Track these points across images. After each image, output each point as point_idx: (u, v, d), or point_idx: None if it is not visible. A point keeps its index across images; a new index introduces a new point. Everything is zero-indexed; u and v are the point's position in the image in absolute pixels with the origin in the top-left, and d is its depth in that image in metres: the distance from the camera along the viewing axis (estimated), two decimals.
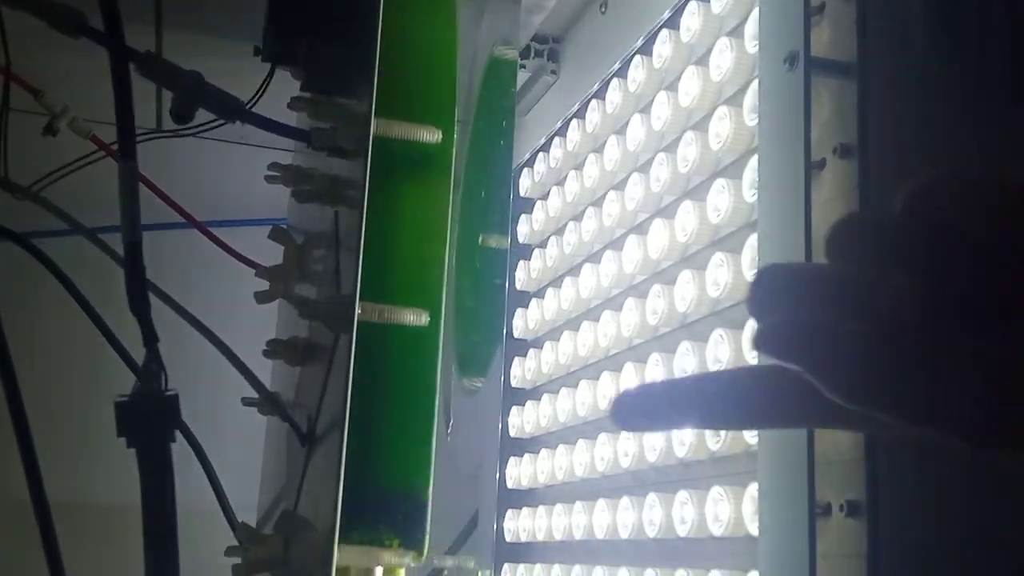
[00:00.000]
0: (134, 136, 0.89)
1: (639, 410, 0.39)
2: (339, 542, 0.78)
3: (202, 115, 1.08)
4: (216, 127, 1.01)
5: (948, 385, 0.32)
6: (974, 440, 0.33)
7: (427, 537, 0.82)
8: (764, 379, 0.37)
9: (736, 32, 1.01)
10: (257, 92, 1.02)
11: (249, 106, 0.99)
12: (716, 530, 0.91)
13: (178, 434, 1.08)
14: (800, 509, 0.77)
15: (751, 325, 0.91)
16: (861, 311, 0.33)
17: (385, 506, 0.81)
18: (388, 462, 0.82)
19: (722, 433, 0.93)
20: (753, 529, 0.86)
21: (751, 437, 0.89)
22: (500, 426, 1.41)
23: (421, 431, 0.81)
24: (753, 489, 0.87)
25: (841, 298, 0.34)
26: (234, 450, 1.52)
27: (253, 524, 1.31)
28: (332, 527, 0.77)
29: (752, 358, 0.90)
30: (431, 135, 0.83)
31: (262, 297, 1.16)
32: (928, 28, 0.82)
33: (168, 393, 0.94)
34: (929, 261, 0.33)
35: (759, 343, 0.34)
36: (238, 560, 1.01)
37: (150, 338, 0.95)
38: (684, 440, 0.99)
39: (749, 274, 0.93)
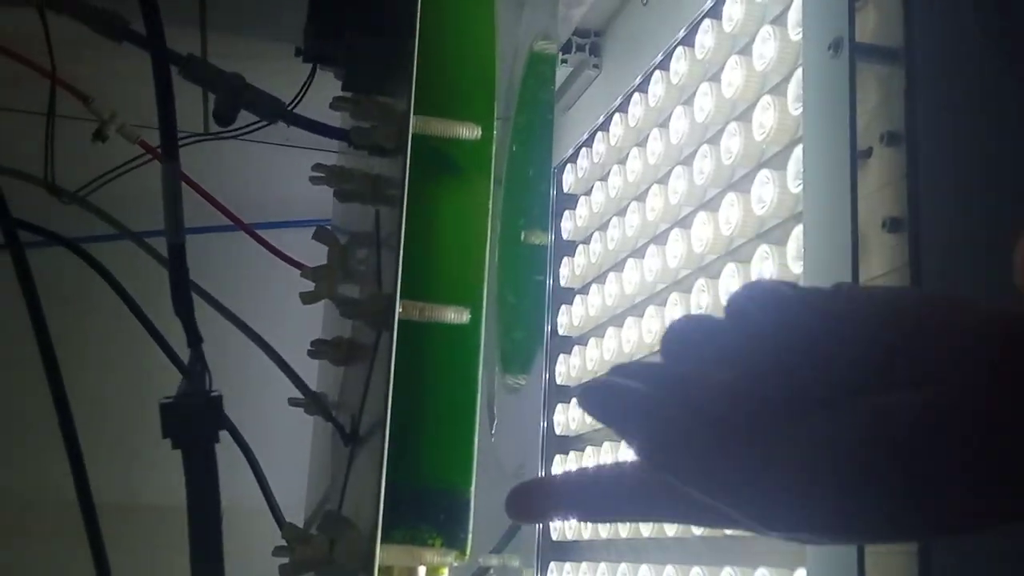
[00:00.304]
0: (176, 139, 0.90)
1: (532, 506, 0.40)
2: (381, 541, 0.78)
3: (245, 117, 1.09)
4: (259, 128, 1.01)
5: (749, 470, 0.33)
6: (768, 524, 0.34)
7: (470, 536, 0.81)
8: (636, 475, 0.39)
9: (779, 20, 0.99)
10: (299, 93, 1.03)
11: (291, 107, 1.00)
12: None
13: (225, 434, 1.09)
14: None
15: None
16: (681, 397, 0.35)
17: (427, 505, 0.81)
18: (430, 461, 0.81)
19: None
20: None
21: None
22: (544, 424, 1.40)
23: (463, 430, 0.81)
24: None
25: (663, 383, 0.36)
26: (282, 450, 1.54)
27: (300, 524, 1.32)
28: (375, 526, 0.77)
29: None
30: (470, 132, 0.82)
31: (307, 297, 1.17)
32: (977, 11, 0.80)
33: (212, 394, 0.94)
34: (745, 363, 0.35)
35: (579, 400, 0.38)
36: (285, 560, 1.02)
37: (194, 339, 0.96)
38: None
39: (795, 266, 0.91)
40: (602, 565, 1.25)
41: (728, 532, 0.96)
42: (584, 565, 1.31)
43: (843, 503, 0.32)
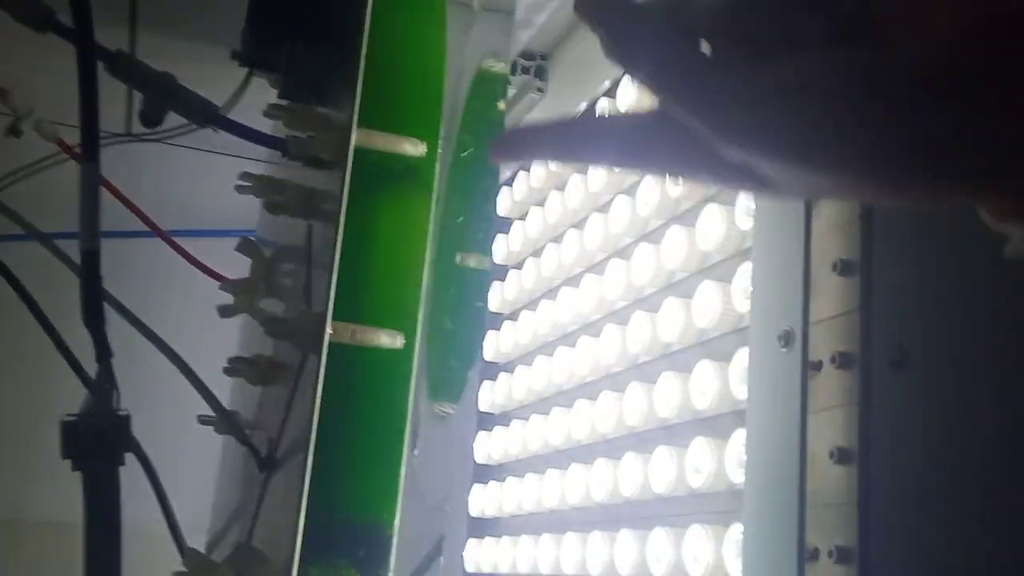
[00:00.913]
0: (98, 139, 0.84)
1: (525, 140, 0.40)
2: None
3: (173, 120, 1.04)
4: (187, 132, 0.96)
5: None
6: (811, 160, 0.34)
7: (391, 574, 0.77)
8: (657, 124, 0.39)
9: None
10: (232, 97, 0.98)
11: (222, 111, 0.94)
12: (695, 571, 0.87)
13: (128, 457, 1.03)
14: (787, 554, 0.73)
15: (740, 358, 0.88)
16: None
17: (347, 539, 0.76)
18: (352, 493, 0.77)
19: (704, 468, 0.89)
20: (735, 573, 0.82)
21: (736, 475, 0.85)
22: (472, 455, 1.36)
23: (389, 461, 0.77)
24: (736, 530, 0.83)
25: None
26: (189, 470, 1.47)
27: (204, 546, 1.26)
28: (290, 561, 0.73)
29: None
30: (415, 148, 0.79)
31: (226, 311, 1.11)
32: None
33: (120, 414, 0.88)
34: None
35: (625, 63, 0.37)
36: None
37: (103, 353, 0.90)
38: (662, 475, 0.95)
39: (740, 304, 0.89)
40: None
41: (655, 574, 0.93)
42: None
43: (819, 125, 0.33)
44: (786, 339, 0.77)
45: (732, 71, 0.35)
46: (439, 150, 0.81)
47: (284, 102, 0.94)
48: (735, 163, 0.36)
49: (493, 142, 0.40)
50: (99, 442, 0.86)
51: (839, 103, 0.33)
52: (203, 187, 1.83)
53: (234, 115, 1.08)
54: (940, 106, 0.32)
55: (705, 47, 0.37)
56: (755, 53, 0.35)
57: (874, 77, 0.32)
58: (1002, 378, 0.73)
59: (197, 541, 1.23)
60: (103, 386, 0.88)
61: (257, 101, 1.05)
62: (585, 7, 0.38)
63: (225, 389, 1.27)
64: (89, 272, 0.87)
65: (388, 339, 0.78)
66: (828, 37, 0.34)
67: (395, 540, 0.81)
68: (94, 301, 0.88)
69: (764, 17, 0.35)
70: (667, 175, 0.43)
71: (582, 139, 0.40)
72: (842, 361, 0.74)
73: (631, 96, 1.15)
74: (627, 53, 0.37)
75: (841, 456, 0.72)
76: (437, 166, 0.80)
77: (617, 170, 0.52)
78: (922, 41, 0.32)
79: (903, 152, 0.33)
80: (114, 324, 1.10)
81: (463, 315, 0.91)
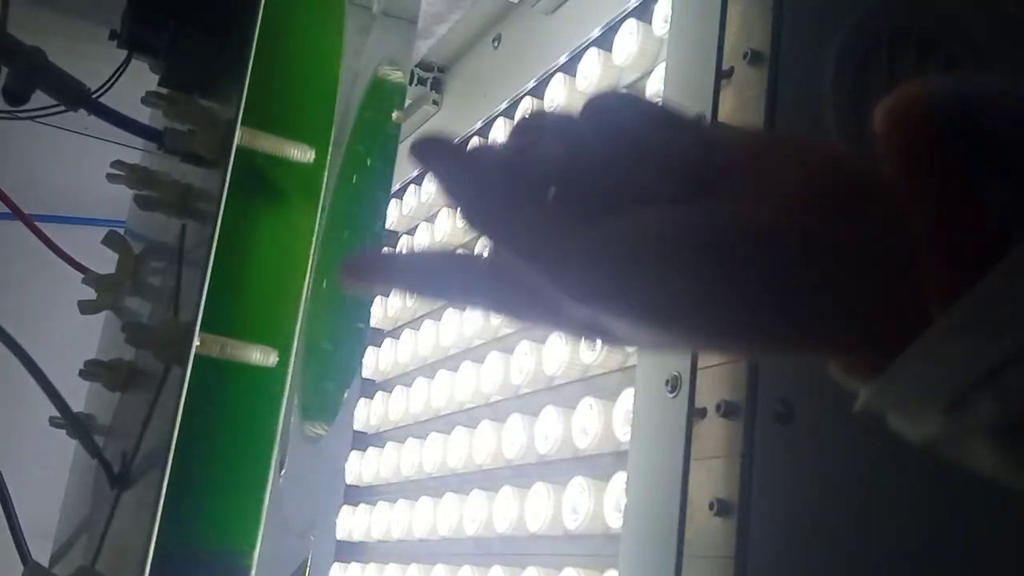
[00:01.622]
0: None
1: (376, 268, 0.40)
2: None
3: (43, 99, 0.96)
4: (55, 113, 0.89)
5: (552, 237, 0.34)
6: (568, 287, 0.34)
7: None
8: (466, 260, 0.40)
9: (636, 86, 0.97)
10: (108, 80, 0.91)
11: (96, 95, 0.88)
12: None
13: None
14: None
15: (624, 398, 0.86)
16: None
17: (202, 569, 0.71)
18: (210, 518, 0.71)
19: (581, 509, 0.87)
20: None
21: (613, 519, 0.83)
22: (343, 477, 1.31)
23: (252, 486, 0.71)
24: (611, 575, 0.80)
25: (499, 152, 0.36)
26: (38, 471, 1.37)
27: (48, 557, 1.17)
28: None
29: None
30: (303, 154, 0.74)
31: (87, 307, 1.04)
32: (836, 103, 0.79)
33: None
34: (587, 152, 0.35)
35: (413, 148, 0.37)
36: None
37: None
38: (538, 513, 0.92)
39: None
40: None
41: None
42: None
43: (661, 285, 0.33)
44: (673, 384, 0.75)
45: (570, 226, 0.34)
46: (329, 157, 0.76)
47: (164, 90, 0.87)
48: (578, 317, 0.36)
49: (345, 265, 0.39)
50: None
51: (681, 262, 0.32)
52: (74, 172, 1.73)
53: (111, 100, 1.01)
54: (782, 268, 0.32)
55: (547, 197, 0.35)
56: (596, 207, 0.34)
57: (716, 236, 0.32)
58: (886, 435, 0.73)
59: (42, 549, 1.15)
60: None
61: (137, 87, 0.98)
62: (420, 152, 0.37)
63: (83, 388, 1.19)
64: None
65: (260, 355, 0.72)
66: (673, 192, 0.34)
67: (254, 569, 0.76)
68: None
69: (607, 169, 0.35)
70: (515, 319, 0.41)
71: (432, 277, 0.39)
72: (727, 410, 0.73)
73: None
74: (464, 202, 0.36)
75: (720, 508, 0.71)
76: (325, 174, 0.75)
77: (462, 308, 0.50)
78: (765, 199, 0.32)
79: (743, 315, 0.33)
80: None
81: (343, 335, 0.86)
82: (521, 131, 0.37)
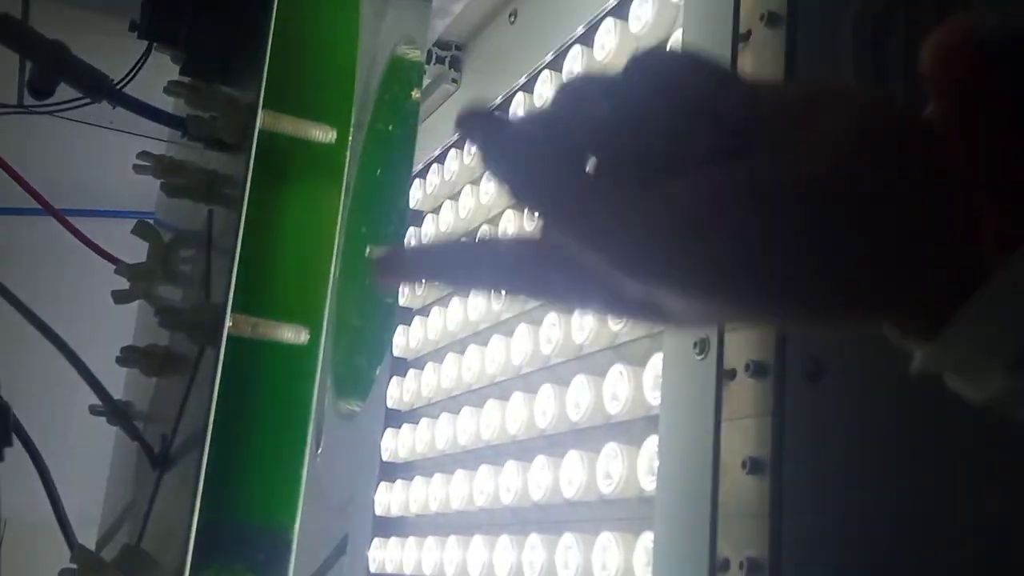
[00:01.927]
0: None
1: (411, 262, 0.39)
2: None
3: (68, 93, 0.98)
4: (79, 106, 0.90)
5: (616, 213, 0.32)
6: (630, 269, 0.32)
7: None
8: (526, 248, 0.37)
9: None
10: (130, 71, 0.92)
11: (119, 85, 0.89)
12: None
13: (15, 438, 0.98)
14: (698, 564, 0.72)
15: (654, 363, 0.86)
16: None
17: (244, 543, 0.72)
18: (250, 494, 0.73)
19: (615, 474, 0.88)
20: None
21: (647, 482, 0.84)
22: (378, 453, 1.33)
23: (290, 462, 0.73)
24: (647, 538, 0.81)
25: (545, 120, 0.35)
26: (82, 460, 1.40)
27: (94, 542, 1.20)
28: (182, 566, 0.68)
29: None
30: (324, 134, 0.75)
31: (120, 296, 1.06)
32: (856, 65, 0.79)
33: None
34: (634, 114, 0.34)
35: (459, 121, 0.35)
36: None
37: None
38: (573, 480, 0.93)
39: None
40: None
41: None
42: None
43: (709, 256, 0.31)
44: (701, 346, 0.75)
45: (621, 195, 0.32)
46: (350, 137, 0.77)
47: (186, 79, 0.89)
48: (632, 296, 0.34)
49: (378, 261, 0.38)
50: None
51: (740, 224, 0.31)
52: (101, 166, 1.75)
53: (135, 90, 1.02)
54: (837, 226, 0.30)
55: (592, 166, 0.34)
56: (646, 170, 0.32)
57: (773, 193, 0.31)
58: (916, 388, 0.73)
59: (88, 535, 1.17)
60: None
61: (159, 77, 1.00)
62: (465, 125, 0.35)
63: (121, 377, 1.21)
64: None
65: (291, 334, 0.74)
66: (724, 149, 0.32)
67: (295, 544, 0.77)
68: None
69: (651, 131, 0.33)
70: (562, 305, 0.40)
71: (470, 265, 0.37)
72: (756, 370, 0.73)
73: (547, 93, 1.13)
74: (509, 177, 0.34)
75: (753, 466, 0.71)
76: (348, 154, 0.76)
77: (508, 295, 0.48)
78: (816, 152, 0.31)
79: (805, 279, 0.31)
80: (5, 308, 1.04)
81: (372, 311, 0.87)
82: (564, 96, 0.35)
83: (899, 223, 0.30)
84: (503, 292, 0.39)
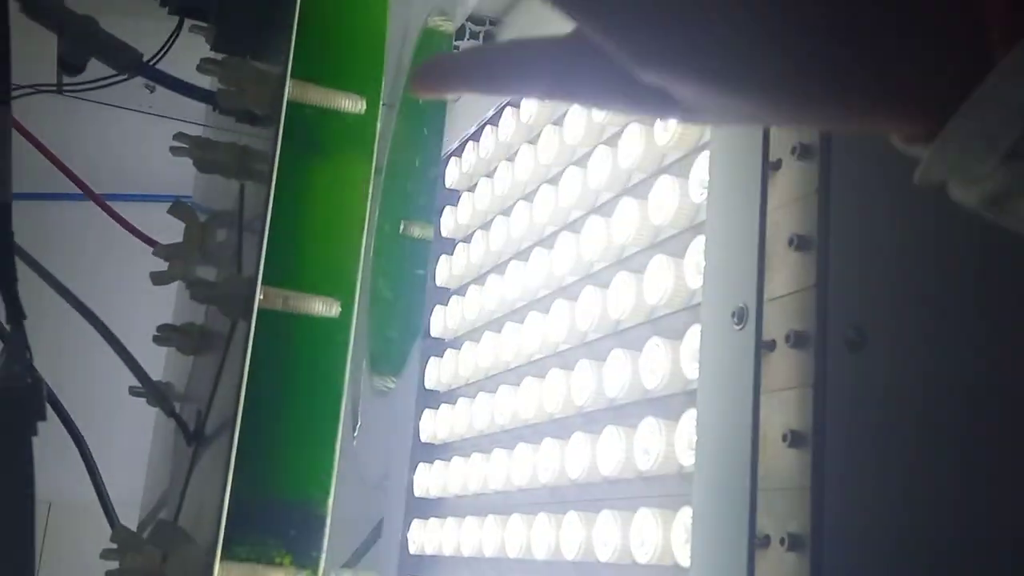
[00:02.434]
0: (8, 80, 0.78)
1: (446, 70, 0.38)
2: (222, 558, 0.68)
3: (101, 71, 0.98)
4: (113, 83, 0.90)
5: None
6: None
7: (323, 555, 0.73)
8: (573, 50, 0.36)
9: None
10: (163, 47, 0.92)
11: (151, 62, 0.89)
12: (641, 557, 0.84)
13: (58, 423, 0.98)
14: (738, 540, 0.70)
15: (691, 336, 0.84)
16: None
17: (277, 518, 0.72)
18: (284, 469, 0.72)
19: (653, 450, 0.86)
20: (683, 559, 0.79)
21: (686, 458, 0.82)
22: (413, 431, 1.32)
23: (324, 436, 0.72)
24: (685, 514, 0.80)
25: None
26: (124, 442, 1.42)
27: (137, 523, 1.20)
28: (215, 541, 0.68)
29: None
30: (354, 104, 0.74)
31: (159, 278, 1.06)
32: None
33: (30, 380, 0.82)
34: None
35: None
36: (114, 564, 0.91)
37: (15, 315, 0.84)
38: (610, 457, 0.91)
39: (692, 280, 0.86)
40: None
41: (601, 559, 0.90)
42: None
43: (730, 42, 0.31)
44: (740, 316, 0.73)
45: None
46: (381, 107, 0.76)
47: (217, 56, 0.88)
48: (651, 87, 0.34)
49: (413, 75, 0.37)
50: (8, 409, 0.80)
51: (749, 18, 0.31)
52: (139, 150, 1.76)
53: (169, 72, 1.02)
54: (851, 24, 0.30)
55: None
56: None
57: None
58: (960, 358, 0.71)
59: (131, 517, 1.18)
60: (14, 349, 0.82)
61: (194, 59, 0.99)
62: None
63: (161, 358, 1.22)
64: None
65: (323, 306, 0.73)
66: None
67: (328, 519, 0.76)
68: (5, 258, 0.82)
69: None
70: (590, 103, 0.40)
71: (504, 68, 0.37)
72: (797, 340, 0.71)
73: None
74: None
75: (794, 439, 0.69)
76: (378, 124, 0.75)
77: (540, 99, 0.48)
78: None
79: (817, 73, 0.31)
80: (47, 293, 1.04)
81: (403, 284, 0.86)
82: None
83: (902, 13, 0.30)
84: (538, 96, 0.39)
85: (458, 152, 1.42)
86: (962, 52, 0.30)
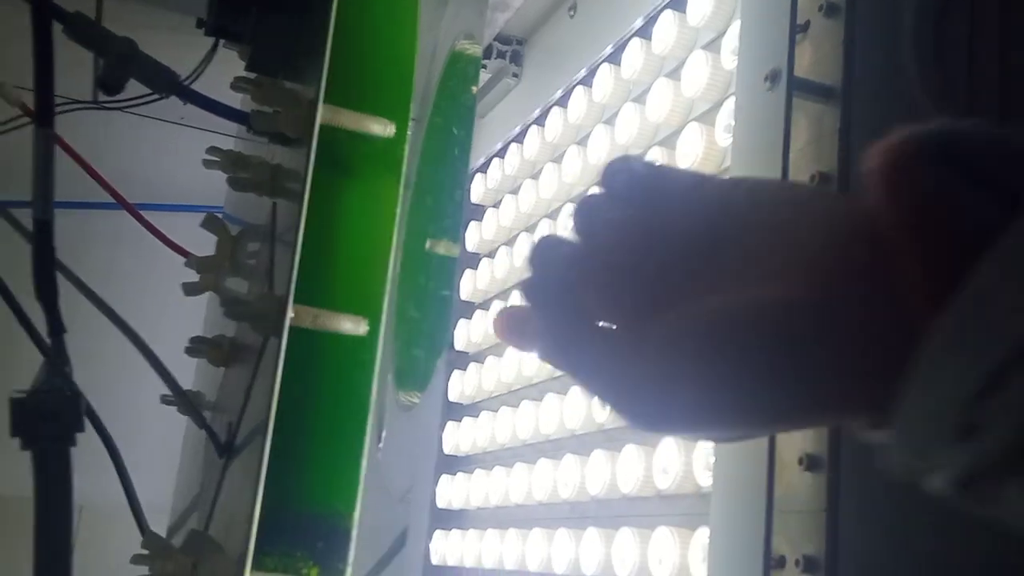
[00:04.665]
0: (52, 101, 0.81)
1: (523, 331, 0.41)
2: (251, 568, 0.71)
3: (138, 89, 1.00)
4: (149, 102, 0.93)
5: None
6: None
7: (349, 568, 0.75)
8: None
9: (712, 46, 0.96)
10: (197, 67, 0.94)
11: (187, 82, 0.91)
12: (660, 573, 0.86)
13: (89, 427, 1.01)
14: (754, 561, 0.72)
15: None
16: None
17: (305, 531, 0.74)
18: (311, 483, 0.74)
19: (672, 469, 0.87)
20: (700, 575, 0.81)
21: (704, 478, 0.83)
22: (437, 445, 1.34)
23: (350, 451, 0.74)
24: (703, 534, 0.81)
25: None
26: (155, 448, 1.44)
27: (166, 529, 1.23)
28: (245, 552, 0.70)
29: None
30: (383, 128, 0.76)
31: (191, 288, 1.08)
32: (917, 54, 0.78)
33: (70, 392, 0.85)
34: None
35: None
36: (144, 571, 0.93)
37: (56, 328, 0.87)
38: (630, 475, 0.93)
39: None
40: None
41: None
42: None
43: (707, 391, 0.35)
44: None
45: (619, 338, 0.36)
46: (409, 131, 0.78)
47: (251, 75, 0.90)
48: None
49: (501, 320, 0.42)
50: (49, 421, 0.83)
51: (720, 357, 0.34)
52: (172, 160, 1.79)
53: (203, 87, 1.04)
54: (808, 340, 0.33)
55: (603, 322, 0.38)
56: (640, 314, 0.36)
57: (746, 323, 0.33)
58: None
59: (160, 522, 1.20)
60: (56, 363, 0.84)
61: (227, 74, 1.02)
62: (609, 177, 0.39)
63: (192, 368, 1.24)
64: (41, 243, 0.84)
65: (351, 325, 0.75)
66: (684, 277, 0.35)
67: (355, 532, 0.79)
68: (46, 273, 0.84)
69: (645, 278, 0.36)
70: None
71: (564, 352, 0.40)
72: None
73: (607, 86, 1.13)
74: (524, 338, 0.40)
75: (810, 463, 0.71)
76: (407, 147, 0.77)
77: None
78: (782, 274, 0.33)
79: (774, 404, 0.34)
80: (81, 301, 1.07)
81: (429, 303, 0.88)
82: (535, 258, 0.40)
83: (847, 339, 0.33)
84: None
85: (483, 168, 1.44)
86: (893, 339, 0.31)
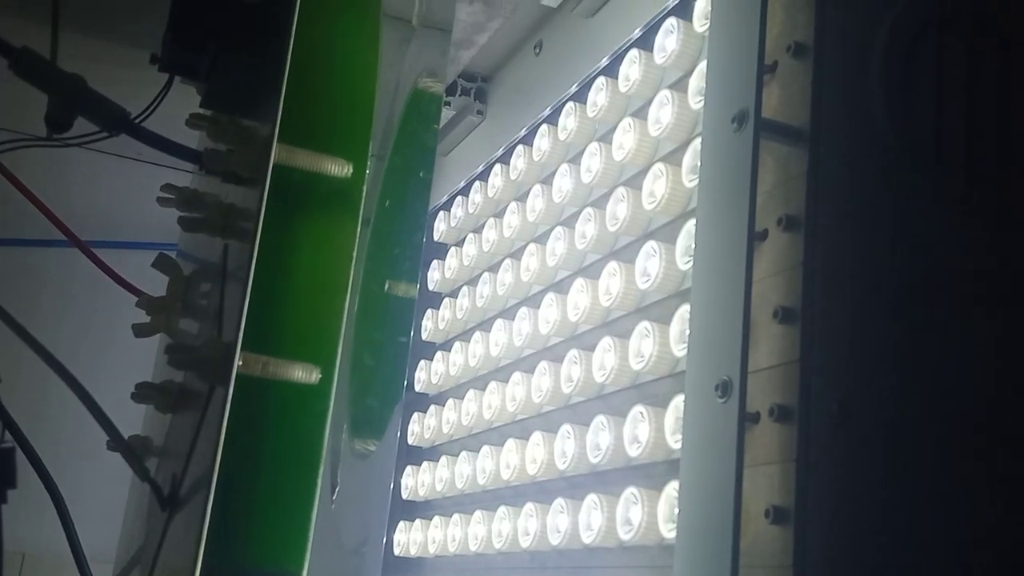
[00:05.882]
0: None
1: None
2: None
3: (88, 126, 0.97)
4: (100, 139, 0.90)
5: None
6: None
7: None
8: None
9: (679, 85, 0.95)
10: (151, 104, 0.92)
11: (138, 119, 0.88)
12: None
13: (35, 480, 0.96)
14: None
15: (676, 403, 0.84)
16: None
17: None
18: (259, 538, 0.71)
19: (635, 520, 0.85)
20: None
21: (667, 529, 0.81)
22: (391, 493, 1.30)
23: (300, 505, 0.71)
24: None
25: None
26: (99, 495, 1.39)
27: None
28: None
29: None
30: (340, 168, 0.73)
31: (141, 330, 1.05)
32: (885, 93, 0.77)
33: (2, 447, 0.81)
34: None
35: None
36: None
37: None
38: (592, 525, 0.90)
39: (677, 348, 0.85)
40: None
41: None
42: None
43: None
44: (724, 390, 0.72)
45: None
46: (368, 171, 0.75)
47: (206, 112, 0.88)
48: None
49: None
50: None
51: None
52: (128, 197, 1.75)
53: (159, 124, 1.01)
54: None
55: None
56: None
57: None
58: (944, 436, 0.70)
59: (104, 573, 1.16)
60: None
61: (188, 107, 0.99)
62: None
63: (142, 407, 1.20)
64: None
65: (303, 373, 0.72)
66: None
67: None
68: None
69: None
70: None
71: None
72: (780, 414, 0.71)
73: (572, 124, 1.11)
74: None
75: (776, 515, 0.68)
76: (365, 188, 0.75)
77: None
78: None
79: None
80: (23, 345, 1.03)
81: (385, 350, 0.85)
82: None
83: None
84: None
85: (447, 206, 1.42)
86: None
